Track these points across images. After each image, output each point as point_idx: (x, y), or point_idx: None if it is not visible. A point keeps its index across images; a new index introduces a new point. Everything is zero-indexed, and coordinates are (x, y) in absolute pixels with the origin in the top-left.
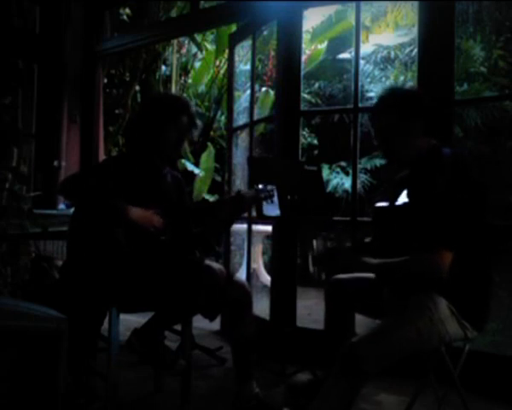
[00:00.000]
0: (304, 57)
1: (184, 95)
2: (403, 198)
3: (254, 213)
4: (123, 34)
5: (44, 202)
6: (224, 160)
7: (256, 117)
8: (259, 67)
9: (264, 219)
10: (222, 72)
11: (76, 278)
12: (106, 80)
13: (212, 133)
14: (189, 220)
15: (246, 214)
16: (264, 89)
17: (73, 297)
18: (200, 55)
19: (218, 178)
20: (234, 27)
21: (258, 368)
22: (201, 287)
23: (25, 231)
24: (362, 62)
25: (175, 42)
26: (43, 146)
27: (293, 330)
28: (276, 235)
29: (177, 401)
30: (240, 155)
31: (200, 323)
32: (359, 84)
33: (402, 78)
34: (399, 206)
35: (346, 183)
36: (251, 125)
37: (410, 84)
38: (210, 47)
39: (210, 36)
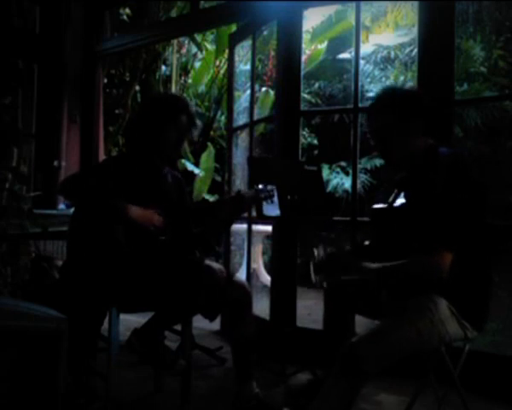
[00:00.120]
0: (304, 57)
1: (184, 95)
2: (401, 199)
3: (254, 213)
4: (123, 34)
5: (44, 202)
6: (224, 160)
7: (256, 117)
8: (259, 67)
9: (264, 219)
10: (222, 72)
11: (76, 278)
12: (106, 80)
13: (212, 133)
14: (189, 220)
15: (246, 214)
16: (264, 89)
17: (73, 297)
18: (200, 55)
19: (218, 178)
20: (234, 27)
21: (258, 368)
22: (201, 287)
23: (25, 231)
24: (362, 62)
25: (175, 42)
26: (43, 146)
27: (293, 330)
28: (276, 235)
29: (177, 401)
30: (240, 155)
31: (200, 323)
32: (359, 84)
33: (402, 78)
34: (397, 207)
35: (346, 183)
36: (251, 125)
37: (410, 84)
38: (210, 47)
39: (210, 36)
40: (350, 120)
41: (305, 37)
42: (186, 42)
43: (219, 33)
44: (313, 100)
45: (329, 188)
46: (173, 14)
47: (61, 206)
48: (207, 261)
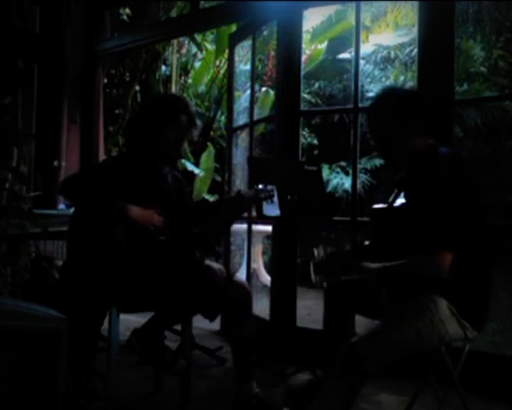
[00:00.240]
0: (304, 57)
1: (184, 95)
2: (401, 199)
3: (254, 213)
4: (123, 34)
5: (44, 202)
6: (224, 160)
7: (256, 117)
8: (259, 67)
9: (264, 219)
10: (222, 72)
11: (76, 278)
12: (106, 80)
13: (212, 133)
14: (189, 220)
15: (246, 214)
16: (264, 89)
17: (73, 297)
18: (200, 55)
19: (218, 178)
20: (234, 27)
21: (258, 368)
22: (201, 287)
23: (25, 231)
24: (362, 62)
25: (175, 42)
26: (43, 146)
27: (293, 330)
28: (276, 235)
29: (177, 401)
30: (240, 155)
31: (200, 323)
32: (359, 84)
33: (402, 78)
34: (397, 207)
35: (346, 183)
36: (251, 125)
37: (410, 84)
38: (210, 47)
39: (210, 36)
40: (350, 120)
41: (305, 37)
42: (186, 42)
43: (219, 33)
44: (313, 100)
45: (329, 188)
46: (173, 14)
47: (61, 206)
48: (207, 261)
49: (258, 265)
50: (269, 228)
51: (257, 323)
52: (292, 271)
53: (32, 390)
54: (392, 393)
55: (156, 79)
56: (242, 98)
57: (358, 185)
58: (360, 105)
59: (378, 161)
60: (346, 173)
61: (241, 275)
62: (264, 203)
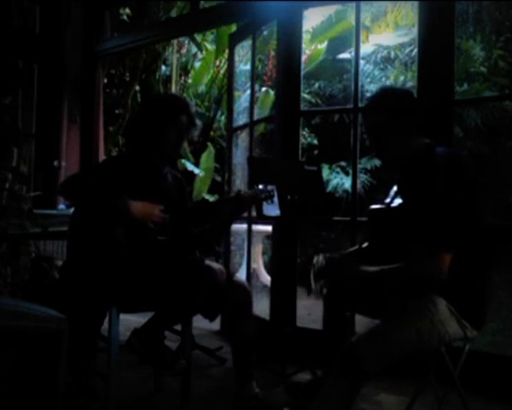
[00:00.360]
0: (304, 57)
1: (184, 95)
2: (399, 199)
3: (254, 213)
4: (123, 34)
5: (44, 202)
6: (224, 160)
7: (256, 117)
8: (259, 67)
9: (264, 219)
10: (222, 72)
11: (76, 278)
12: (106, 80)
13: (212, 133)
14: (189, 220)
15: (246, 214)
16: (264, 89)
17: (73, 297)
18: (200, 55)
19: (218, 178)
20: (234, 27)
21: (258, 368)
22: (201, 287)
23: (25, 231)
24: (362, 62)
25: (175, 42)
26: (43, 146)
27: (293, 330)
28: (276, 235)
29: (177, 401)
30: (240, 155)
31: (200, 323)
32: (359, 84)
33: (402, 78)
34: (394, 208)
35: (346, 183)
36: (251, 125)
37: (410, 84)
38: (210, 47)
39: (210, 36)
40: (350, 120)
41: (305, 37)
42: (186, 42)
43: (219, 33)
44: (313, 100)
45: (329, 188)
46: (173, 14)
47: (61, 206)
48: (207, 261)
49: (258, 265)
50: (269, 228)
51: (257, 323)
52: (292, 271)
53: (31, 390)
54: (392, 393)
55: (156, 79)
56: (242, 98)
57: (358, 185)
58: (360, 105)
59: (378, 161)
60: (346, 173)
61: (241, 275)
62: (264, 203)
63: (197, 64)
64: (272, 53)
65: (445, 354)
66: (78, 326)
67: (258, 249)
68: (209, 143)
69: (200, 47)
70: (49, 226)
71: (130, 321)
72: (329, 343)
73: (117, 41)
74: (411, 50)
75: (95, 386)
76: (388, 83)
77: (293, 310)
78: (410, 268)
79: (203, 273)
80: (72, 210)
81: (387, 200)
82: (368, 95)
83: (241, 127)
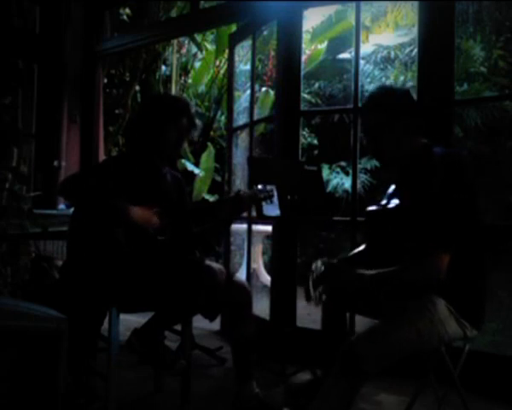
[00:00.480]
0: (304, 57)
1: (184, 95)
2: (395, 200)
3: (254, 213)
4: (123, 34)
5: (44, 202)
6: (224, 160)
7: (256, 117)
8: (259, 67)
9: (264, 219)
10: (222, 72)
11: (76, 278)
12: (106, 80)
13: (212, 133)
14: (188, 220)
15: (246, 214)
16: (264, 89)
17: (73, 297)
18: (200, 55)
19: (218, 178)
20: (234, 27)
21: (258, 368)
22: (202, 287)
23: (25, 231)
24: (362, 62)
25: (175, 42)
26: (43, 146)
27: (293, 330)
28: (276, 235)
29: (177, 401)
30: (240, 155)
31: (200, 323)
32: (359, 84)
33: (402, 78)
34: (391, 208)
35: (346, 183)
36: (251, 125)
37: (410, 84)
38: (210, 47)
39: (210, 36)
40: (350, 120)
41: (305, 37)
42: (186, 42)
43: (219, 33)
44: (313, 100)
45: (329, 188)
46: (173, 14)
47: (61, 206)
48: (207, 261)
49: (258, 265)
50: (269, 228)
51: (257, 323)
52: (292, 271)
53: (32, 390)
54: (392, 393)
55: (156, 79)
56: (242, 98)
57: (358, 185)
58: (360, 105)
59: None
60: (346, 173)
61: (241, 275)
62: (264, 203)
63: (197, 64)
64: (272, 53)
65: (445, 354)
66: (78, 326)
67: (258, 249)
68: (209, 143)
69: (200, 47)
70: (49, 226)
71: (130, 321)
72: (328, 343)
73: (117, 41)
74: (411, 50)
75: (95, 386)
76: (388, 83)
77: (293, 310)
78: (409, 269)
79: (203, 273)
80: (72, 210)
81: (383, 201)
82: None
83: (241, 127)
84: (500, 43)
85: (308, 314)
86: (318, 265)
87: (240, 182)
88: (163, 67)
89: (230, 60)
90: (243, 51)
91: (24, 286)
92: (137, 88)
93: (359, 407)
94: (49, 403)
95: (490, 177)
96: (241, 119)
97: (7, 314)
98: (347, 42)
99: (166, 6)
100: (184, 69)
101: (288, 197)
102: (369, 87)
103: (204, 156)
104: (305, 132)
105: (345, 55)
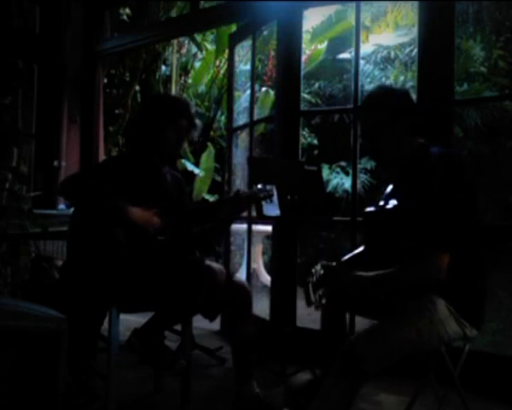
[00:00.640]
0: (304, 57)
1: (184, 95)
2: (393, 201)
3: (254, 213)
4: (123, 34)
5: (44, 202)
6: (224, 160)
7: (256, 117)
8: (259, 67)
9: (264, 219)
10: (222, 72)
11: (76, 278)
12: (106, 80)
13: (212, 133)
14: (188, 220)
15: (246, 214)
16: (264, 89)
17: (73, 297)
18: (200, 55)
19: (218, 178)
20: (234, 27)
21: (258, 368)
22: (202, 287)
23: (25, 231)
24: (362, 62)
25: (175, 42)
26: (43, 146)
27: (293, 330)
28: (276, 235)
29: (177, 401)
30: (240, 155)
31: (200, 323)
32: (359, 84)
33: (402, 78)
34: (389, 209)
35: (346, 183)
36: (251, 125)
37: (410, 84)
38: (210, 47)
39: (210, 36)
40: (350, 120)
41: (305, 37)
42: (186, 42)
43: (219, 33)
44: (313, 100)
45: (329, 188)
46: (173, 14)
47: (61, 206)
48: (207, 261)
49: (258, 265)
50: (269, 228)
51: (257, 323)
52: (292, 271)
53: (32, 390)
54: (392, 393)
55: (156, 79)
56: (242, 98)
57: (358, 185)
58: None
59: None
60: (346, 173)
61: (241, 275)
62: (264, 203)
63: (197, 64)
64: (272, 53)
65: (445, 354)
66: (78, 326)
67: (258, 249)
68: (209, 143)
69: (200, 47)
70: (49, 226)
71: (130, 321)
72: (327, 343)
73: (117, 41)
74: (411, 50)
75: (95, 386)
76: (388, 83)
77: (293, 310)
78: (408, 269)
79: (203, 273)
80: (72, 210)
81: (381, 202)
82: None
83: (241, 127)
84: (500, 43)
85: (308, 314)
86: (317, 269)
87: (240, 182)
88: (163, 67)
89: (230, 60)
90: (243, 51)
91: (24, 286)
92: (137, 88)
93: (359, 407)
94: (49, 403)
95: (490, 177)
96: (241, 119)
97: (7, 314)
98: (347, 42)
99: (166, 6)
100: (184, 69)
101: (288, 197)
102: (369, 87)
103: (204, 156)
104: (305, 132)
105: (345, 55)
